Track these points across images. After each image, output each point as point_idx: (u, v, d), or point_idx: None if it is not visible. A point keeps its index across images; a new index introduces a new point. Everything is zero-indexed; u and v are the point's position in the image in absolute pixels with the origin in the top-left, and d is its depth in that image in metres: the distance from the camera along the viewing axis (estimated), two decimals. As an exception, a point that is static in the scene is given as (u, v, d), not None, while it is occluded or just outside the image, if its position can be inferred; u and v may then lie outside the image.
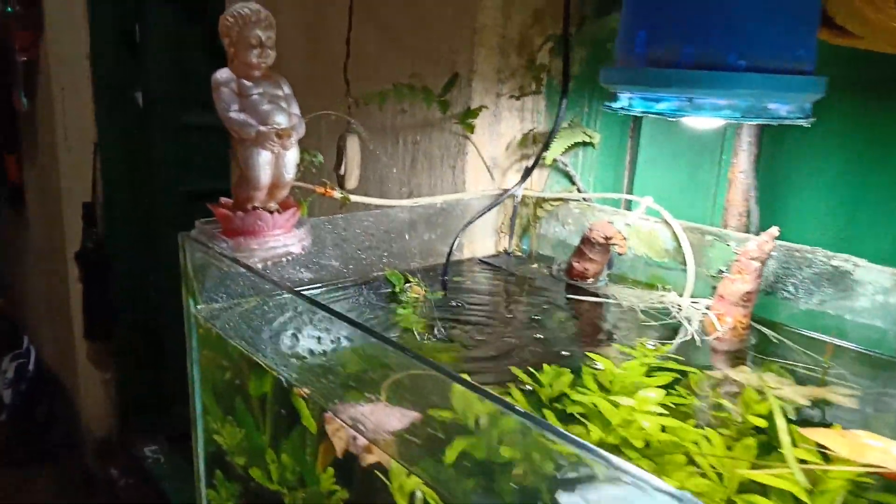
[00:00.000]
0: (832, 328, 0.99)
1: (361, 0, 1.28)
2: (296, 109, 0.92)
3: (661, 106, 0.79)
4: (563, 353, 0.96)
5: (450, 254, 1.21)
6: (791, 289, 1.03)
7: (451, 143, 1.35)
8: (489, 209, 1.27)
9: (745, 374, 0.88)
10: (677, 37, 0.77)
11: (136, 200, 3.17)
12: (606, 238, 1.14)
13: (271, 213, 0.90)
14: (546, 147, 1.19)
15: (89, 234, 3.13)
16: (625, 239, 1.13)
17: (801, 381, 0.88)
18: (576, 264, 1.20)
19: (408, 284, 1.13)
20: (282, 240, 0.91)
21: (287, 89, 0.91)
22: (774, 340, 1.00)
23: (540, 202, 1.35)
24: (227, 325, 0.94)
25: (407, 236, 1.22)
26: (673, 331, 1.04)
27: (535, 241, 1.38)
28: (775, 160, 1.16)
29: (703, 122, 0.98)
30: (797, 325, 1.03)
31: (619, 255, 1.15)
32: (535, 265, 1.31)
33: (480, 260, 1.32)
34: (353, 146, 1.44)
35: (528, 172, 1.28)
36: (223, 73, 0.87)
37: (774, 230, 0.99)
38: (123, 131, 3.02)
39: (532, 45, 1.32)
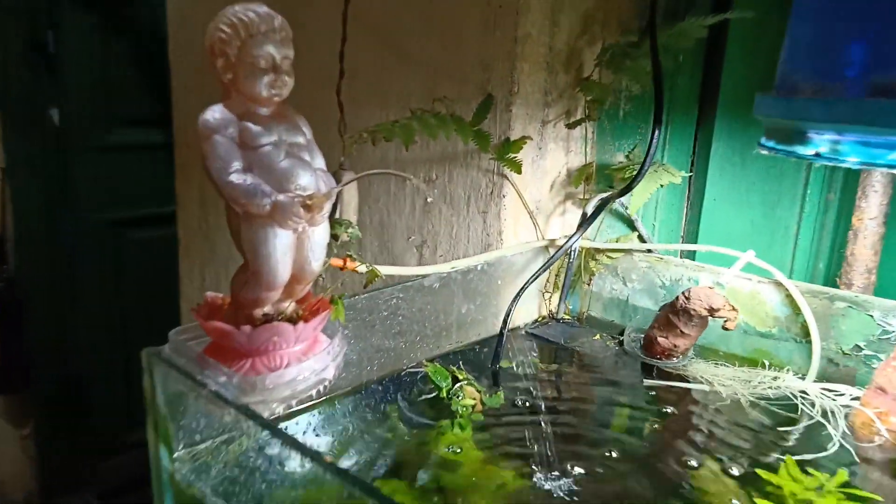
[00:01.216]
0: None
1: (358, 2, 0.97)
2: (321, 163, 0.62)
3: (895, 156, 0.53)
4: (684, 486, 0.68)
5: (502, 337, 0.93)
6: (965, 375, 0.79)
7: (482, 183, 1.07)
8: (546, 268, 0.99)
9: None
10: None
11: (52, 233, 2.72)
12: (712, 309, 0.88)
13: (294, 322, 0.59)
14: (627, 189, 0.92)
15: (-2, 273, 2.68)
16: (736, 311, 0.87)
17: None
18: (661, 339, 0.94)
19: (457, 384, 0.83)
20: (310, 363, 0.60)
21: (309, 133, 0.61)
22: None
23: (592, 253, 1.08)
24: (220, 486, 0.62)
25: (442, 315, 0.93)
26: (807, 431, 0.79)
27: (587, 300, 1.11)
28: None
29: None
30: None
31: (726, 330, 0.90)
32: (597, 337, 1.04)
33: (528, 332, 1.04)
34: (349, 188, 1.13)
35: (588, 220, 1.01)
36: (217, 114, 0.56)
37: (956, 305, 0.75)
38: (36, 154, 2.57)
39: (580, 58, 1.05)
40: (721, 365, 0.96)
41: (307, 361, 0.60)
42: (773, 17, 0.97)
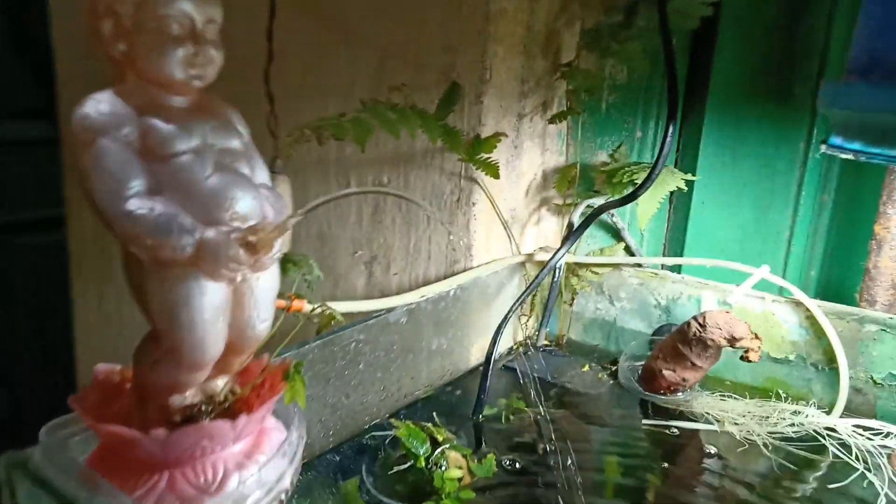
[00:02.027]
0: None
1: (289, -33, 0.78)
2: (264, 177, 0.42)
3: None
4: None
5: (486, 380, 0.76)
6: None
7: (445, 189, 0.89)
8: (532, 291, 0.83)
9: None
10: None
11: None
12: (733, 339, 0.74)
13: (231, 414, 0.40)
14: (633, 196, 0.77)
15: None
16: (759, 340, 0.74)
17: None
18: (668, 373, 0.80)
19: (438, 449, 0.66)
20: (256, 473, 0.41)
21: (246, 134, 0.42)
22: None
23: (574, 268, 0.93)
24: None
25: (411, 355, 0.75)
26: (841, 478, 0.67)
27: (567, 323, 0.96)
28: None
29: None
30: None
31: (747, 361, 0.76)
32: (585, 368, 0.88)
33: (506, 366, 0.88)
34: (283, 193, 0.93)
35: (577, 231, 0.85)
36: (103, 106, 0.35)
37: None
38: None
39: (558, 41, 0.89)
40: (730, 398, 0.83)
41: (251, 468, 0.41)
42: None
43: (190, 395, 0.41)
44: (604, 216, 0.95)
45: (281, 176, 0.93)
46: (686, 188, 0.85)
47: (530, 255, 0.89)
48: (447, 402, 0.79)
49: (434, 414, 0.74)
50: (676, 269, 1.00)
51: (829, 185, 0.98)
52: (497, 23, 0.81)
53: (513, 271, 0.90)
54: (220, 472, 0.40)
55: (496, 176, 0.80)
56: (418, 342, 0.76)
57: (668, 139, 0.72)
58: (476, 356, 0.87)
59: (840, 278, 1.00)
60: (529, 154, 0.90)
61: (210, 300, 0.38)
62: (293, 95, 0.98)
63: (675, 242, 1.05)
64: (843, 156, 0.50)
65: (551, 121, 0.86)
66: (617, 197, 0.81)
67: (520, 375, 0.85)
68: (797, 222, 1.00)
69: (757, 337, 0.74)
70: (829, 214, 1.00)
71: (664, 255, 1.00)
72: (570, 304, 0.94)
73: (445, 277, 0.85)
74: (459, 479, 0.64)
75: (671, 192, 0.88)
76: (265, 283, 0.40)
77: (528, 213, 0.94)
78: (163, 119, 0.37)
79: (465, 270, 0.86)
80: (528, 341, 0.94)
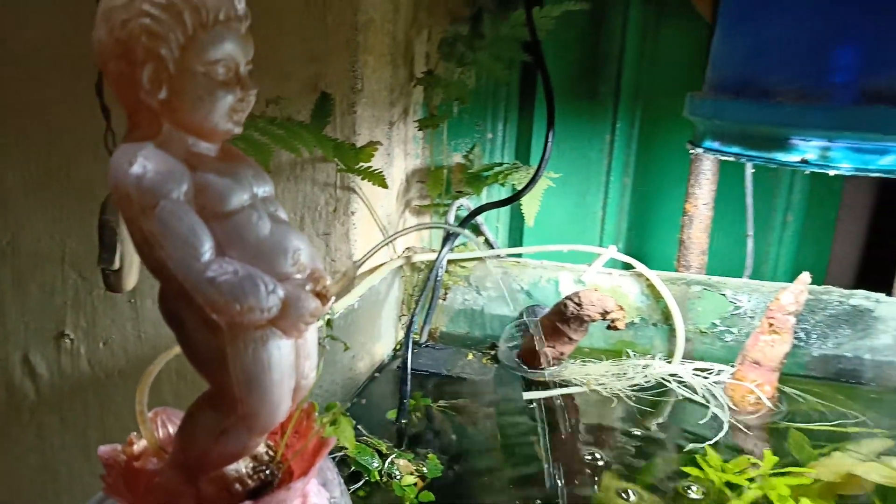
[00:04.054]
0: (850, 371, 0.91)
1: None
2: (286, 216, 0.40)
3: (888, 161, 0.55)
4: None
5: (405, 384, 0.78)
6: (801, 335, 0.91)
7: (320, 200, 0.88)
8: (436, 291, 0.86)
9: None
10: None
11: None
12: (605, 312, 0.86)
13: (283, 476, 0.38)
14: (516, 197, 0.84)
15: None
16: (623, 311, 0.87)
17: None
18: (548, 349, 0.89)
19: (387, 461, 0.67)
20: None
21: (268, 178, 0.39)
22: (800, 399, 0.88)
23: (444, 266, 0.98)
24: None
25: (328, 372, 0.74)
26: (693, 414, 0.83)
27: (439, 316, 1.01)
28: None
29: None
30: (807, 373, 0.93)
31: (615, 330, 0.89)
32: (470, 357, 0.95)
33: (398, 367, 0.90)
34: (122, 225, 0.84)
35: (457, 231, 0.90)
36: (152, 162, 0.31)
37: (806, 276, 0.85)
38: None
39: (412, 50, 0.93)
40: (590, 363, 0.96)
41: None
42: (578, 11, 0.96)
43: (242, 462, 0.38)
44: (461, 212, 1.01)
45: None
46: (554, 185, 0.95)
47: (409, 259, 0.93)
48: (363, 414, 0.79)
49: (359, 427, 0.74)
50: (517, 255, 1.11)
51: (629, 168, 1.17)
52: (366, 33, 0.82)
53: (394, 274, 0.92)
54: (290, 535, 0.38)
55: (383, 185, 0.81)
56: (334, 354, 0.75)
57: (549, 143, 0.81)
58: (372, 362, 0.88)
59: (638, 248, 1.20)
60: (398, 160, 0.93)
61: (286, 359, 0.36)
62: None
63: (515, 232, 1.16)
64: (723, 157, 0.63)
65: (420, 127, 0.90)
66: (476, 196, 0.87)
67: (417, 374, 0.88)
68: (608, 203, 1.17)
69: (621, 308, 0.87)
70: (630, 195, 1.18)
71: (510, 245, 1.10)
72: (444, 299, 0.99)
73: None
74: (415, 484, 0.66)
75: (512, 186, 0.97)
76: (312, 332, 0.39)
77: (397, 218, 0.97)
78: (213, 172, 0.34)
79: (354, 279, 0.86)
80: (413, 340, 0.97)
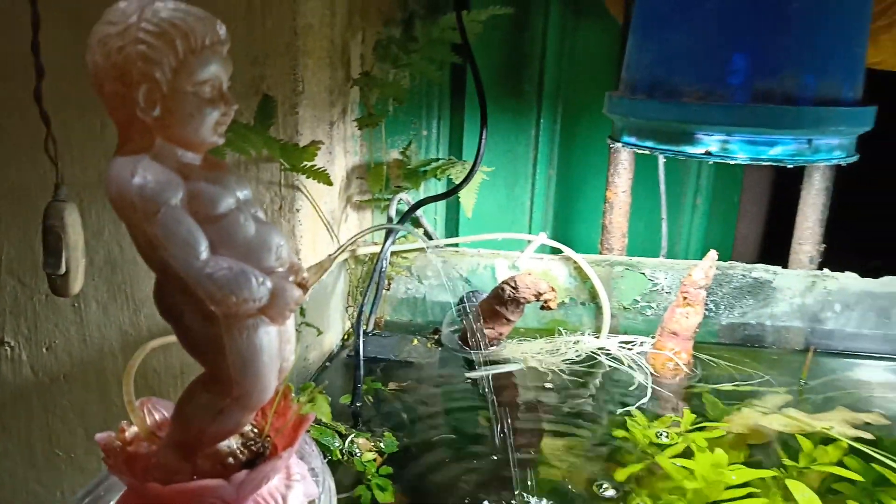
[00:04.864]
0: (754, 337, 1.02)
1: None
2: (262, 216, 0.45)
3: (777, 151, 0.65)
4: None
5: (359, 370, 0.82)
6: (711, 306, 1.02)
7: (265, 198, 0.91)
8: (380, 283, 0.91)
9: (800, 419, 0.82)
10: (795, 66, 0.63)
11: None
12: (539, 294, 0.93)
13: (269, 449, 0.43)
14: (455, 191, 0.90)
15: None
16: (555, 291, 0.94)
17: (802, 401, 0.87)
18: (488, 330, 0.96)
19: (347, 440, 0.72)
20: (297, 486, 0.44)
21: (249, 186, 0.43)
22: (712, 363, 0.98)
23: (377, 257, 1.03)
24: None
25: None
26: (621, 383, 0.92)
27: (383, 306, 1.06)
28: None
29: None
30: (718, 340, 1.03)
31: (548, 310, 0.96)
32: (415, 342, 1.00)
33: (350, 355, 0.95)
34: (74, 224, 0.86)
35: (400, 223, 0.95)
36: (150, 173, 0.34)
37: (714, 254, 0.95)
38: None
39: (348, 52, 0.97)
40: (525, 341, 1.03)
41: (297, 487, 0.44)
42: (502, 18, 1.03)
43: (233, 439, 0.43)
44: (401, 206, 1.07)
45: (69, 204, 0.87)
46: (487, 178, 1.01)
47: (353, 252, 0.97)
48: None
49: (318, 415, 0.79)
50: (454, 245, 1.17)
51: (554, 161, 1.25)
52: (305, 37, 0.86)
53: (340, 268, 0.96)
54: (280, 497, 0.43)
55: (328, 182, 0.86)
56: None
57: (483, 140, 0.87)
58: (322, 352, 0.93)
59: (565, 234, 1.28)
60: (339, 158, 0.97)
61: (273, 343, 0.40)
62: (81, 110, 0.88)
63: (452, 223, 1.22)
64: (640, 151, 0.70)
65: (359, 126, 0.94)
66: (414, 190, 0.93)
67: (367, 361, 0.93)
68: (536, 194, 1.25)
69: (553, 290, 0.94)
70: (555, 185, 1.26)
71: (447, 236, 1.17)
72: (388, 289, 1.04)
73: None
74: (374, 460, 0.71)
75: (448, 180, 1.03)
76: (290, 319, 0.44)
77: (340, 213, 1.01)
78: (203, 180, 0.38)
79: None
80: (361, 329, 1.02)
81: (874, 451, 0.74)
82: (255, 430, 0.46)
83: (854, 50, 0.64)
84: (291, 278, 0.41)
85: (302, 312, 0.72)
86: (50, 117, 0.82)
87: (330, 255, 0.40)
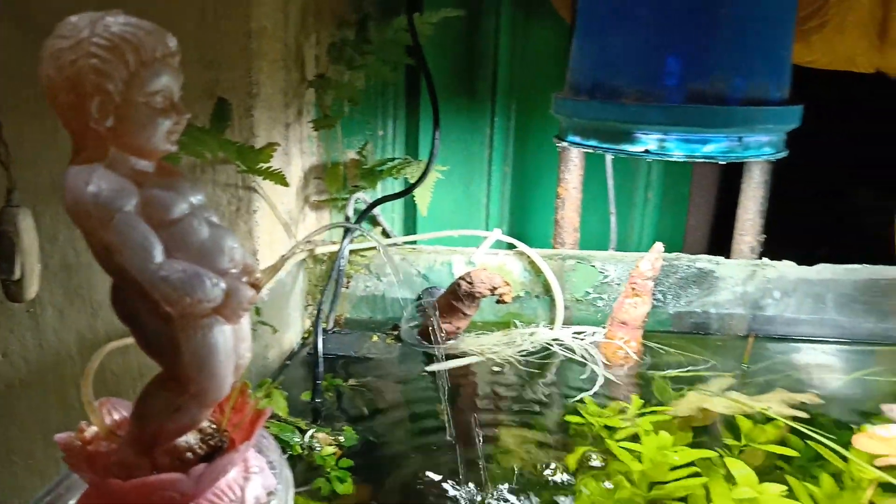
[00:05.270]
0: (700, 324, 1.07)
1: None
2: (216, 219, 0.46)
3: (710, 148, 0.69)
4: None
5: (318, 367, 0.84)
6: (659, 296, 1.06)
7: (222, 200, 0.92)
8: (340, 280, 0.92)
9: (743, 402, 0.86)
10: (724, 69, 0.67)
11: None
12: (493, 288, 0.96)
13: (227, 443, 0.45)
14: (409, 190, 0.92)
15: None
16: (509, 286, 0.97)
17: (748, 385, 0.92)
18: (446, 325, 0.99)
19: (306, 435, 0.74)
20: (256, 478, 0.46)
21: (203, 190, 0.45)
22: (661, 351, 1.02)
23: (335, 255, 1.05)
24: None
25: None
26: (575, 371, 0.95)
27: (342, 304, 1.08)
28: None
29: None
30: (666, 328, 1.07)
31: (503, 303, 0.99)
32: (374, 338, 1.02)
33: (309, 353, 0.96)
34: (28, 230, 0.86)
35: (357, 222, 0.97)
36: (104, 181, 0.36)
37: (659, 245, 0.99)
38: None
39: (302, 54, 0.98)
40: (483, 334, 1.06)
41: (255, 479, 0.46)
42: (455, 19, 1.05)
43: (190, 435, 0.44)
44: (359, 205, 1.08)
45: (23, 209, 0.87)
46: (442, 176, 1.03)
47: (311, 251, 0.99)
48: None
49: (277, 409, 0.80)
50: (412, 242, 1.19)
51: (509, 158, 1.28)
52: (259, 40, 0.87)
53: (298, 267, 0.98)
54: (238, 489, 0.45)
55: (284, 183, 0.87)
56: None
57: (437, 141, 0.89)
58: (282, 350, 0.94)
59: (519, 229, 1.32)
60: (296, 159, 0.98)
61: (228, 342, 0.42)
62: (27, 119, 0.87)
63: (409, 220, 1.24)
64: (584, 150, 0.74)
65: (315, 128, 0.96)
66: (371, 189, 0.95)
67: (328, 359, 0.95)
68: (491, 191, 1.28)
69: (508, 284, 0.97)
70: (510, 182, 1.30)
71: (405, 234, 1.19)
72: (347, 287, 1.06)
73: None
74: (334, 454, 0.73)
75: (404, 179, 1.06)
76: (245, 318, 0.45)
77: (297, 213, 1.02)
78: (156, 187, 0.40)
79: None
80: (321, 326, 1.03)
81: (810, 430, 0.78)
82: (213, 426, 0.47)
83: (780, 53, 0.68)
84: (245, 279, 0.42)
85: (257, 311, 0.73)
86: (1, 122, 0.82)
87: (283, 256, 0.42)
